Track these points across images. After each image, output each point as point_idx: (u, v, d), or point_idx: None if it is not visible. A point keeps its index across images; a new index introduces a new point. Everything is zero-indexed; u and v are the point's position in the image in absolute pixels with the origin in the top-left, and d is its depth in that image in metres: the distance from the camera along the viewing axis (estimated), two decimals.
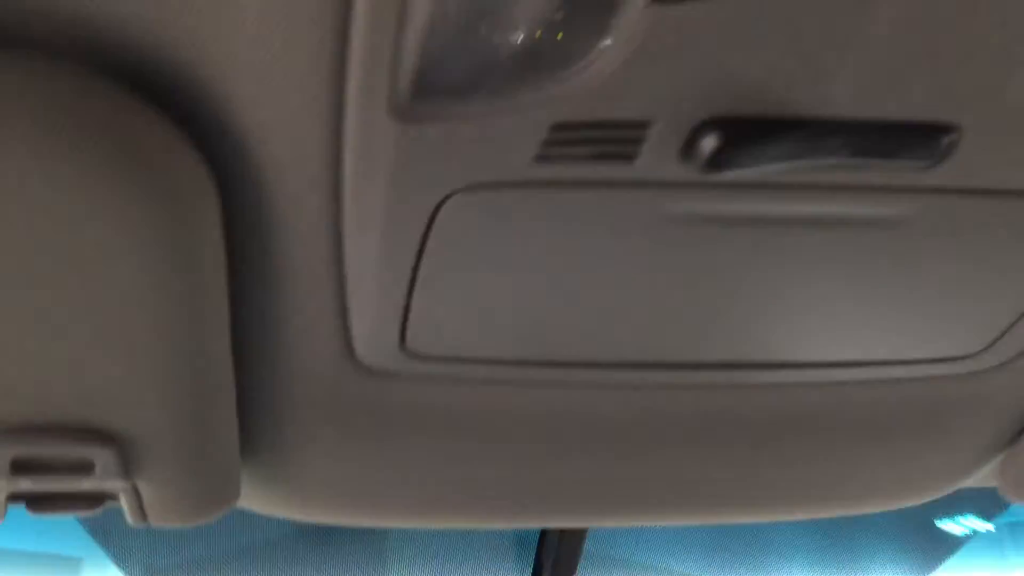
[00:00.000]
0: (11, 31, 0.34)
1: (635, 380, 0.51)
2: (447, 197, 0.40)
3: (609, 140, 0.38)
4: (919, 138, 0.39)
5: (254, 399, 0.52)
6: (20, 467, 0.45)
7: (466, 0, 0.33)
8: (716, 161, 0.38)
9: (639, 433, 0.55)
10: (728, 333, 0.49)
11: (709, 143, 0.37)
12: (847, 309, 0.48)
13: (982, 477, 0.66)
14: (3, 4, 0.34)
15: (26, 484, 0.46)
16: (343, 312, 0.47)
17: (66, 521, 1.71)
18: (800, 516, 0.63)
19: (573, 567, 1.04)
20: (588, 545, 1.04)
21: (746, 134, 0.37)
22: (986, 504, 2.18)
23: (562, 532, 1.03)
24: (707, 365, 0.51)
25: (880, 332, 0.51)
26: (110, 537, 1.79)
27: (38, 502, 0.49)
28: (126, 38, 0.35)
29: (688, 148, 0.38)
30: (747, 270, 0.45)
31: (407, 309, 0.46)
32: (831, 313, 0.48)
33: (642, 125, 0.37)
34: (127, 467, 0.47)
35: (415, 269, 0.43)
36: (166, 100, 0.38)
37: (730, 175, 0.39)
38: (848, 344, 0.51)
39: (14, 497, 0.49)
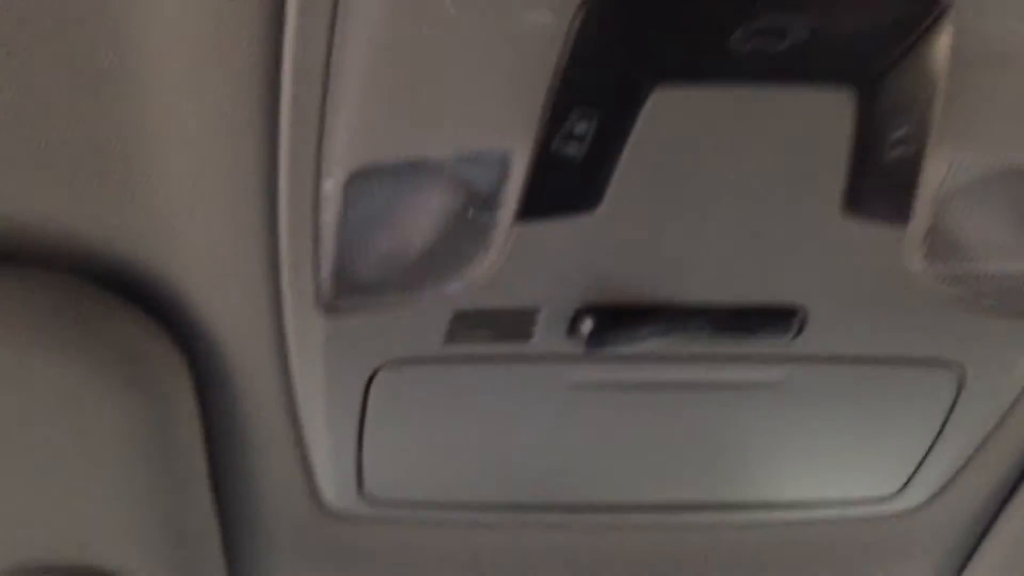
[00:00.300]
0: (10, 246, 0.44)
1: (569, 521, 0.57)
2: (376, 371, 0.47)
3: (505, 324, 0.45)
4: (772, 319, 0.45)
5: (236, 542, 0.59)
6: None
7: (374, 223, 0.41)
8: (594, 341, 0.45)
9: (585, 570, 0.61)
10: (643, 478, 0.55)
11: (587, 326, 0.44)
12: (752, 455, 0.54)
13: None
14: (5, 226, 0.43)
15: None
16: (307, 466, 0.54)
17: None
18: None
19: None
20: None
21: (617, 319, 0.44)
22: None
23: None
24: (638, 507, 0.57)
25: (794, 476, 0.57)
26: None
27: None
28: (109, 250, 0.44)
29: (572, 329, 0.45)
30: (645, 426, 0.51)
31: (360, 462, 0.53)
32: (738, 459, 0.54)
33: (531, 311, 0.45)
34: None
35: (360, 430, 0.51)
36: (145, 299, 0.46)
37: (618, 350, 0.46)
38: (763, 487, 0.57)
39: None
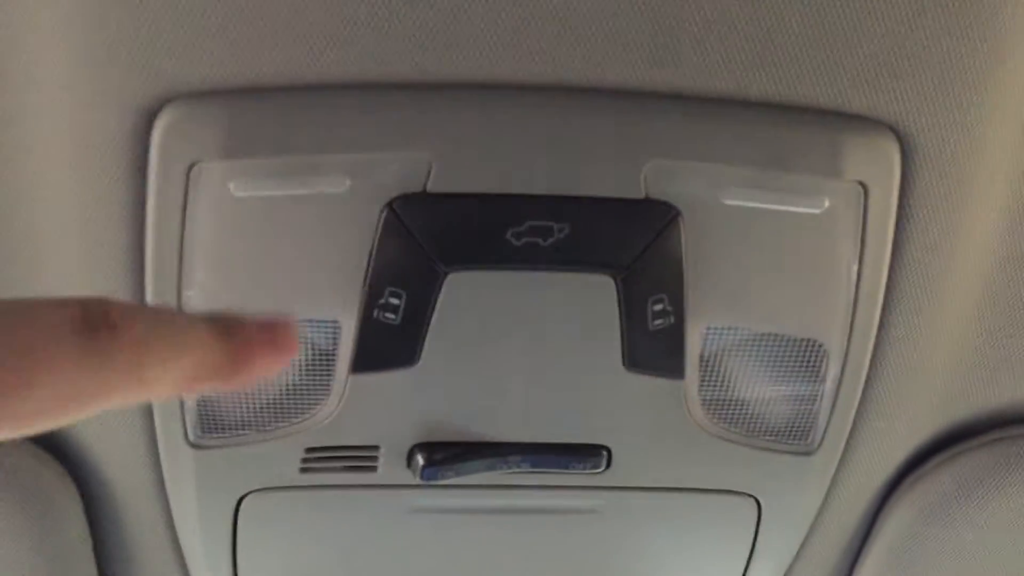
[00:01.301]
0: None
1: None
2: (242, 498, 0.54)
3: (351, 457, 0.53)
4: (582, 454, 0.53)
5: None
6: None
7: None
8: (427, 474, 0.52)
9: None
10: None
11: (419, 461, 0.52)
12: (581, 575, 0.61)
13: None
14: None
15: None
16: None
17: None
18: None
19: None
20: None
21: (444, 454, 0.52)
22: None
23: None
24: None
25: None
26: None
27: None
28: None
29: (409, 463, 0.53)
30: (482, 548, 0.58)
31: None
32: None
33: (373, 447, 0.52)
34: None
35: (234, 552, 0.58)
36: (43, 438, 0.54)
37: (450, 480, 0.53)
38: None
39: None
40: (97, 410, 0.29)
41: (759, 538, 0.59)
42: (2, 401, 0.27)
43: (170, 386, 0.31)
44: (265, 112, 0.41)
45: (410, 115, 0.42)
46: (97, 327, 0.29)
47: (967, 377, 0.56)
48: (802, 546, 0.62)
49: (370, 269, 0.45)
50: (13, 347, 0.27)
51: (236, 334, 0.33)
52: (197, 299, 0.45)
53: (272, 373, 0.34)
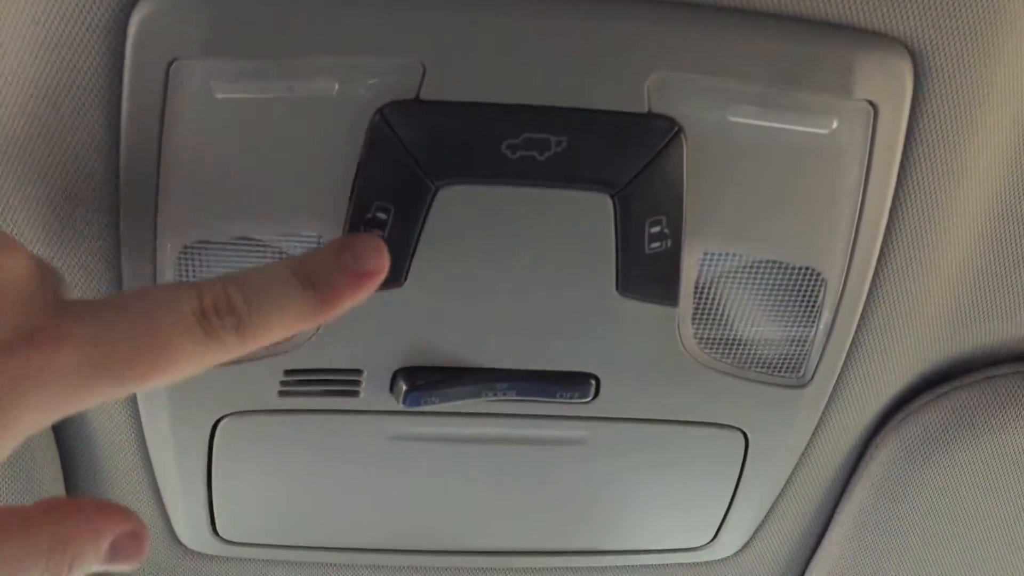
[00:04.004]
0: None
1: (397, 562, 0.63)
2: (218, 421, 0.53)
3: (332, 381, 0.51)
4: (570, 383, 0.52)
5: None
6: None
7: None
8: (410, 399, 0.51)
9: None
10: (468, 525, 0.61)
11: (402, 386, 0.51)
12: (567, 505, 0.60)
13: None
14: None
15: None
16: (163, 510, 0.59)
17: None
18: None
19: None
20: None
21: (428, 379, 0.50)
22: None
23: None
24: (464, 551, 0.63)
25: (612, 526, 0.63)
26: None
27: None
28: None
29: (391, 388, 0.51)
30: (464, 477, 0.57)
31: (211, 505, 0.58)
32: (554, 508, 0.60)
33: (355, 371, 0.51)
34: None
35: (208, 476, 0.56)
36: None
37: (434, 407, 0.52)
38: (582, 535, 0.63)
39: None
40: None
41: (745, 472, 0.59)
42: (142, 379, 0.32)
43: (267, 343, 0.36)
44: (250, 7, 0.39)
45: (404, 16, 0.40)
46: (220, 313, 0.34)
47: (961, 313, 0.55)
48: (788, 481, 0.61)
49: (357, 181, 0.43)
50: (150, 339, 0.32)
51: (325, 284, 0.37)
52: (174, 206, 0.43)
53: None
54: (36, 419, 0.31)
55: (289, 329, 0.36)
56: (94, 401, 0.32)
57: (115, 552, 0.36)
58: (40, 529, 0.33)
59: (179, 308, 0.33)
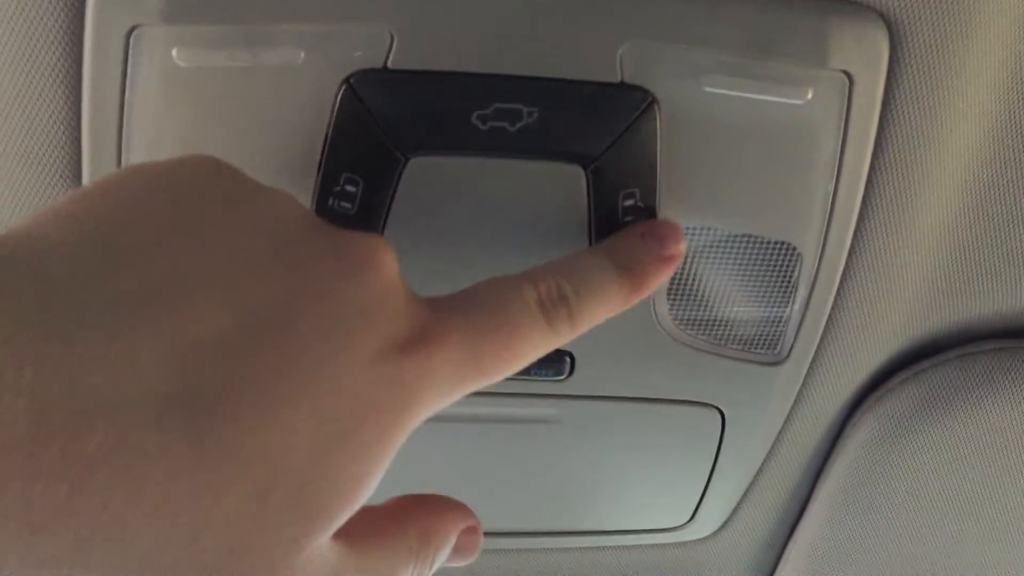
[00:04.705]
0: None
1: None
2: None
3: None
4: (545, 360, 0.51)
5: None
6: None
7: None
8: None
9: None
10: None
11: None
12: (544, 485, 0.60)
13: None
14: None
15: None
16: None
17: None
18: None
19: None
20: None
21: None
22: None
23: None
24: None
25: (590, 506, 0.62)
26: None
27: None
28: None
29: None
30: (438, 456, 0.56)
31: None
32: (530, 488, 0.60)
33: None
34: None
35: None
36: None
37: None
38: (559, 515, 0.62)
39: None
40: None
41: (722, 451, 0.58)
42: (500, 372, 0.34)
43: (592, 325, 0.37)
44: None
45: None
46: (555, 303, 0.35)
47: (938, 289, 0.55)
48: (765, 460, 0.61)
49: (325, 153, 0.42)
50: (511, 334, 0.33)
51: (637, 270, 0.39)
52: None
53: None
54: (427, 414, 0.31)
55: (608, 315, 0.37)
56: (464, 394, 0.33)
57: (459, 548, 0.37)
58: (408, 525, 0.34)
59: (525, 301, 0.34)
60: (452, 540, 0.36)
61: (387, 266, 0.31)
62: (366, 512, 0.33)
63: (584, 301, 0.36)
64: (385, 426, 0.29)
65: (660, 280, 0.40)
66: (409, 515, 0.35)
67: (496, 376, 0.33)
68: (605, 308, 0.37)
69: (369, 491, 0.30)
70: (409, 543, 0.34)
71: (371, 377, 0.29)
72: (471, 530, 0.37)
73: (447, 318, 0.32)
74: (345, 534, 0.31)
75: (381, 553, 0.33)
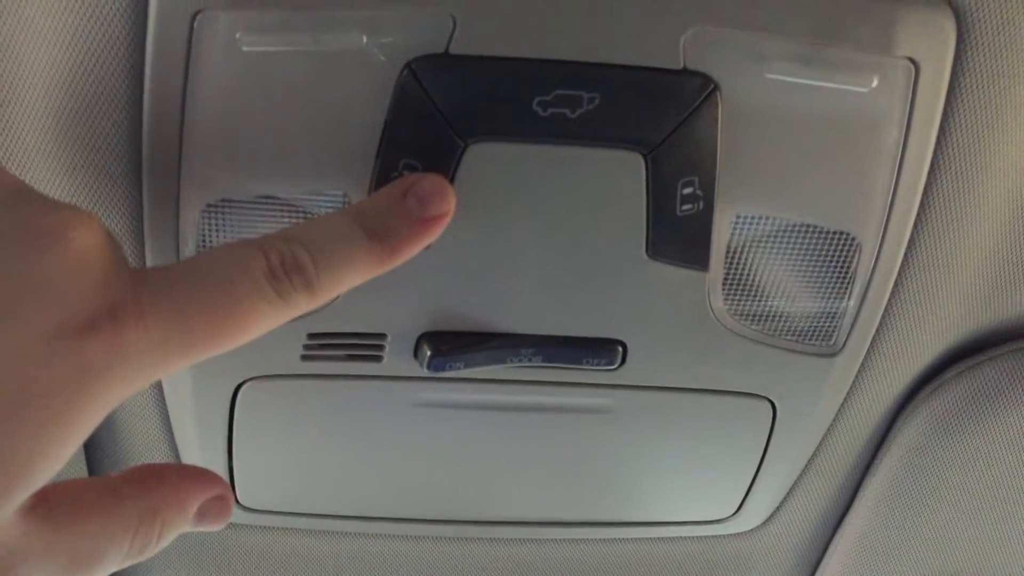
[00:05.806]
0: None
1: (423, 531, 0.62)
2: (239, 385, 0.52)
3: (356, 345, 0.50)
4: (597, 349, 0.51)
5: None
6: None
7: None
8: (434, 364, 0.50)
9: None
10: (493, 493, 0.60)
11: (427, 351, 0.50)
12: (592, 476, 0.59)
13: None
14: None
15: None
16: None
17: None
18: None
19: None
20: None
21: (453, 344, 0.50)
22: None
23: None
24: (488, 520, 0.62)
25: (636, 497, 0.62)
26: None
27: None
28: None
29: (415, 353, 0.51)
30: (488, 445, 0.56)
31: (231, 472, 0.58)
32: (578, 478, 0.59)
33: (379, 336, 0.50)
34: None
35: (229, 441, 0.55)
36: None
37: (458, 372, 0.51)
38: (607, 505, 0.62)
39: None
40: None
41: (772, 443, 0.58)
42: (219, 347, 0.32)
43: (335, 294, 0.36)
44: None
45: None
46: (288, 272, 0.33)
47: (995, 282, 0.54)
48: (815, 453, 0.60)
49: (384, 138, 0.42)
50: (228, 307, 0.32)
51: (391, 233, 0.37)
52: (197, 162, 0.42)
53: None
54: (120, 393, 0.30)
55: (356, 282, 0.36)
56: (173, 370, 0.32)
57: (202, 516, 0.36)
58: (128, 501, 0.33)
59: (250, 271, 0.32)
60: (189, 511, 0.35)
61: (79, 239, 0.29)
62: (73, 486, 0.32)
63: (324, 270, 0.34)
64: (57, 408, 0.28)
65: (420, 244, 0.38)
66: (136, 489, 0.34)
67: (215, 350, 0.32)
68: (353, 276, 0.35)
69: (47, 471, 0.29)
70: (127, 519, 0.33)
71: (43, 357, 0.28)
72: (218, 498, 0.36)
73: (147, 294, 0.30)
74: (38, 510, 0.30)
75: (86, 529, 0.32)
